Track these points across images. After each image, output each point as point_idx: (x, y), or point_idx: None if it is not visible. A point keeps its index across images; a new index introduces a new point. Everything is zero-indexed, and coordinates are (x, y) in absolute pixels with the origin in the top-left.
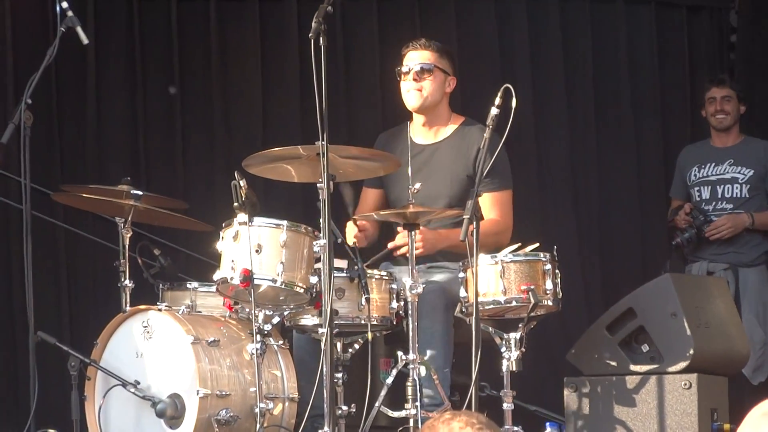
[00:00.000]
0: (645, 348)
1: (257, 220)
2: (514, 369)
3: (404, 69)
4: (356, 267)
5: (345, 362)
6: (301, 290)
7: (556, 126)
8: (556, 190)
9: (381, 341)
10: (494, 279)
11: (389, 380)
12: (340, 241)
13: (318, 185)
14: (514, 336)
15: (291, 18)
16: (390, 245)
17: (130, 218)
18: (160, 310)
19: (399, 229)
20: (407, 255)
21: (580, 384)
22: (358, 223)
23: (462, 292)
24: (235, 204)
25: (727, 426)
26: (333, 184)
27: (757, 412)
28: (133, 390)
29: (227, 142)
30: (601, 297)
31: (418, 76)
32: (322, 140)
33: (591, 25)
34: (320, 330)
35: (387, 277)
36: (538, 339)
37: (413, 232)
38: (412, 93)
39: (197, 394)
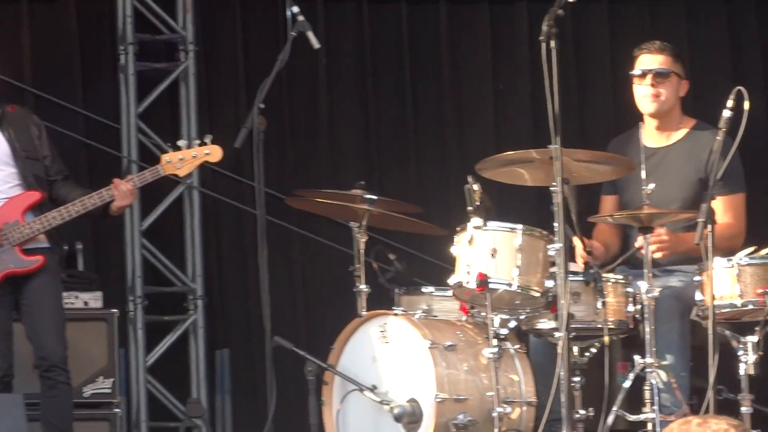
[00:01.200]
0: None
1: (491, 224)
2: (752, 372)
3: (638, 72)
4: (591, 271)
5: (582, 366)
6: (537, 294)
7: None
8: None
9: (618, 345)
10: (730, 282)
11: (627, 384)
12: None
13: (551, 189)
14: (752, 339)
15: (521, 21)
16: (636, 244)
17: (364, 222)
18: (396, 314)
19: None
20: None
21: None
22: (586, 242)
23: (698, 296)
24: (469, 208)
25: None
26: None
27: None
28: (370, 395)
29: (460, 145)
30: None
31: (654, 80)
32: (555, 144)
33: None
34: (557, 334)
35: (622, 281)
36: None
37: (648, 235)
38: (647, 98)
39: (435, 398)
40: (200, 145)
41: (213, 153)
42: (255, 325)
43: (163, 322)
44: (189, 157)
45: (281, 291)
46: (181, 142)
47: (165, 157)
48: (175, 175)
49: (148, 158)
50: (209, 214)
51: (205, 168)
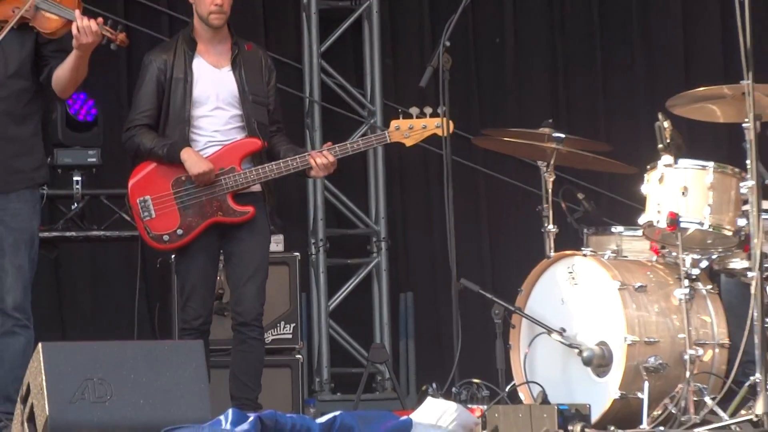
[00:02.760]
0: None
1: (682, 161)
2: None
3: None
4: None
5: None
6: (729, 233)
7: None
8: None
9: None
10: None
11: None
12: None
13: (744, 125)
14: None
15: None
16: None
17: (552, 162)
18: (585, 255)
19: None
20: None
21: None
22: None
23: None
24: (660, 145)
25: None
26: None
27: None
28: (559, 338)
29: (649, 82)
30: None
31: None
32: (747, 79)
33: None
34: (750, 273)
35: None
36: None
37: None
38: None
39: (625, 341)
40: (432, 115)
41: (444, 126)
42: (440, 268)
43: (345, 265)
44: (419, 127)
45: (467, 232)
46: (413, 110)
47: (394, 123)
48: (401, 144)
49: (330, 98)
50: (392, 155)
51: (387, 106)
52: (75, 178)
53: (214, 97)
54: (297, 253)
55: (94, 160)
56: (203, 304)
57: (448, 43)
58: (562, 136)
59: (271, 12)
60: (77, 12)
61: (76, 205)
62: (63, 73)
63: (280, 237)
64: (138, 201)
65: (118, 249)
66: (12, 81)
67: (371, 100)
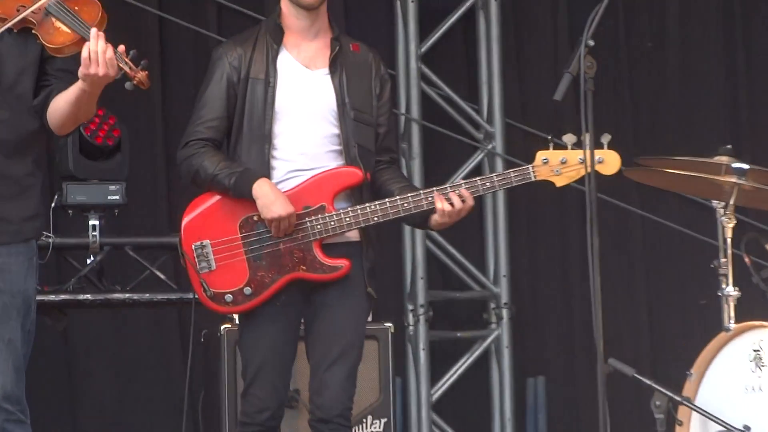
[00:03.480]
0: None
1: None
2: None
3: None
4: None
5: None
6: None
7: None
8: None
9: None
10: None
11: None
12: None
13: None
14: None
15: None
16: None
17: (732, 201)
18: None
19: None
20: None
21: None
22: None
23: None
24: None
25: None
26: None
27: None
28: None
29: None
30: None
31: None
32: None
33: None
34: None
35: None
36: None
37: None
38: None
39: None
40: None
41: (607, 162)
42: (580, 343)
43: (454, 340)
44: (574, 161)
45: (617, 295)
46: (567, 138)
47: (541, 155)
48: (550, 183)
49: (433, 114)
50: (518, 193)
51: (510, 127)
52: (91, 223)
53: (303, 107)
54: (389, 324)
55: (116, 198)
56: (273, 391)
57: (591, 43)
58: (745, 167)
59: (355, 1)
60: (94, 31)
61: (92, 258)
62: (62, 104)
63: None
64: (194, 246)
65: (150, 318)
66: (7, 96)
67: (488, 118)
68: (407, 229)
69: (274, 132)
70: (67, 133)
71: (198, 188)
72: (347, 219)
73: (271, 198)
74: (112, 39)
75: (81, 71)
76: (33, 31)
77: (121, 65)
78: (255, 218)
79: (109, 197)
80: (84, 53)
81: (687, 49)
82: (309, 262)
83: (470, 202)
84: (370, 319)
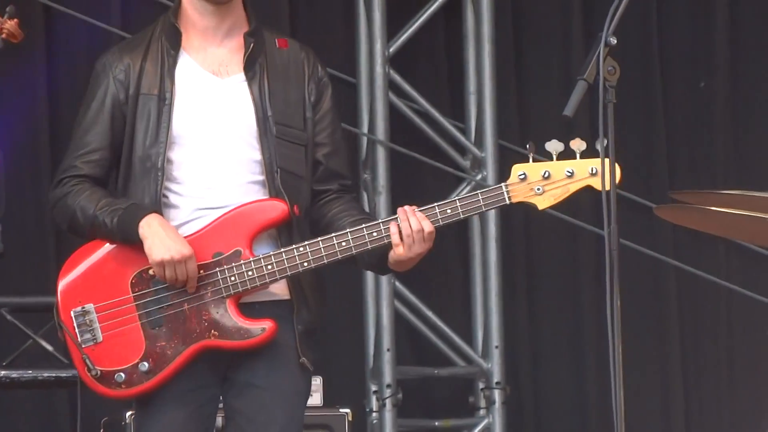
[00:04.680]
0: None
1: None
2: None
3: None
4: None
5: None
6: None
7: None
8: None
9: None
10: None
11: None
12: None
13: None
14: None
15: None
16: None
17: None
18: None
19: None
20: None
21: None
22: None
23: None
24: None
25: None
26: None
27: None
28: None
29: None
30: None
31: None
32: None
33: None
34: None
35: None
36: None
37: None
38: None
39: None
40: (583, 155)
41: (605, 172)
42: None
43: (431, 430)
44: (560, 175)
45: (646, 373)
46: (551, 145)
47: (517, 170)
48: (529, 207)
49: (405, 136)
50: (513, 232)
51: (506, 151)
52: None
53: (210, 127)
54: (346, 410)
55: None
56: None
57: (613, 41)
58: None
59: None
60: None
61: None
62: None
63: (317, 380)
64: (73, 314)
65: (35, 401)
66: None
67: (477, 139)
68: (370, 283)
69: (173, 160)
70: None
71: (78, 237)
72: (269, 267)
73: (160, 235)
74: None
75: None
76: None
77: None
78: (151, 272)
79: None
80: None
81: (738, 43)
82: (222, 327)
83: (428, 228)
84: (320, 402)
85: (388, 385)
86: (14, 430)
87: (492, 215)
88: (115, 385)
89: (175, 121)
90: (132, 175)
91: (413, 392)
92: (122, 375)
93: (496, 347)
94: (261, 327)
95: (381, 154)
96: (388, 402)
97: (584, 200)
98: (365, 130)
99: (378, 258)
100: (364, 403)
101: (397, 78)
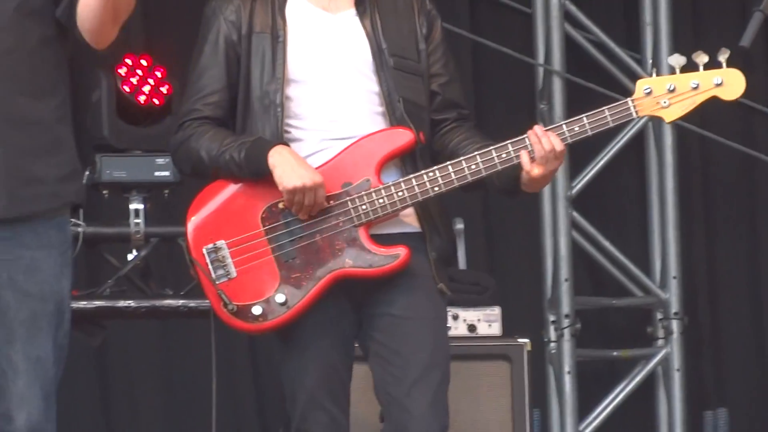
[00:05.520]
0: None
1: None
2: None
3: None
4: None
5: None
6: None
7: None
8: None
9: None
10: None
11: None
12: None
13: None
14: None
15: None
16: None
17: None
18: None
19: None
20: None
21: None
22: None
23: None
24: None
25: None
26: None
27: None
28: None
29: None
30: None
31: None
32: None
33: None
34: None
35: None
36: None
37: None
38: None
39: None
40: (707, 66)
41: (728, 83)
42: None
43: (608, 360)
44: (686, 87)
45: None
46: (674, 59)
47: (642, 84)
48: (659, 119)
49: (582, 67)
50: (686, 160)
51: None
52: (133, 207)
53: (328, 62)
54: (524, 340)
55: (166, 174)
56: (332, 425)
57: None
58: None
59: None
60: None
61: (134, 253)
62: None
63: (496, 311)
64: (205, 251)
65: (208, 329)
66: (21, 19)
67: (654, 69)
68: (547, 214)
69: (291, 97)
70: (107, 41)
71: (201, 179)
72: (400, 193)
73: (291, 164)
74: None
75: None
76: None
77: None
78: (281, 205)
79: (156, 173)
80: None
81: None
82: (356, 255)
83: (559, 146)
84: (499, 332)
85: (566, 315)
86: (189, 358)
87: (669, 144)
88: (252, 318)
89: (290, 59)
90: (251, 114)
91: (591, 322)
92: (259, 308)
93: (674, 278)
94: (395, 253)
95: (557, 85)
96: (566, 332)
97: (760, 131)
98: (541, 60)
99: (510, 180)
100: (542, 334)
101: (573, 8)
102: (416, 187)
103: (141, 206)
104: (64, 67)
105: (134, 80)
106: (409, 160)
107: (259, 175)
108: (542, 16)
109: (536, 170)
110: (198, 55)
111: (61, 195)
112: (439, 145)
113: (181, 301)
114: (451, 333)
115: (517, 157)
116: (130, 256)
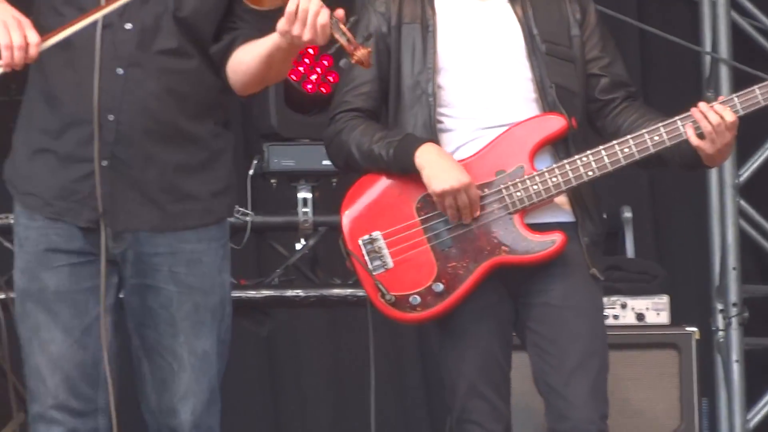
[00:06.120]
0: None
1: None
2: None
3: None
4: None
5: None
6: None
7: None
8: None
9: None
10: None
11: None
12: None
13: None
14: None
15: None
16: None
17: None
18: None
19: None
20: None
21: None
22: None
23: None
24: None
25: None
26: None
27: None
28: None
29: None
30: None
31: None
32: None
33: None
34: None
35: None
36: None
37: None
38: None
39: None
40: None
41: None
42: None
43: None
44: None
45: None
46: None
47: None
48: None
49: (748, 55)
50: None
51: None
52: (301, 196)
53: (478, 49)
54: (692, 329)
55: None
56: (494, 413)
57: None
58: None
59: None
60: None
61: (302, 242)
62: (248, 58)
63: (664, 299)
64: (361, 242)
65: (379, 319)
66: (185, 42)
67: None
68: (715, 205)
69: (442, 86)
70: (249, 94)
71: (354, 172)
72: (554, 179)
73: (437, 165)
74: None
75: (281, 26)
76: None
77: (336, 35)
78: None
79: (324, 162)
80: (290, 6)
81: None
82: (512, 242)
83: (730, 117)
84: (667, 321)
85: (734, 304)
86: (358, 349)
87: None
88: (409, 308)
89: (440, 47)
90: (402, 104)
91: (760, 310)
92: (417, 298)
93: None
94: (551, 239)
95: (724, 73)
96: (734, 321)
97: None
98: (708, 48)
99: (689, 155)
100: (710, 322)
101: None
102: (570, 173)
103: (309, 195)
104: (229, 89)
105: (301, 69)
106: (561, 146)
107: (408, 173)
108: (709, 5)
109: (706, 146)
110: None
111: (213, 211)
112: (612, 126)
113: (349, 291)
114: (620, 322)
115: (671, 138)
116: (298, 246)
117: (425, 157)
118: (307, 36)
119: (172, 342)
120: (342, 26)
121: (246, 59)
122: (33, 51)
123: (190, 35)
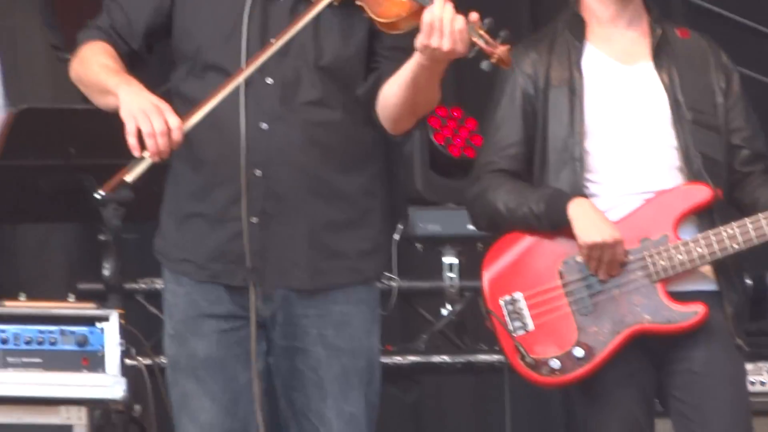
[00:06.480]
0: None
1: None
2: None
3: None
4: None
5: None
6: None
7: None
8: None
9: None
10: None
11: None
12: None
13: None
14: None
15: None
16: None
17: None
18: None
19: None
20: None
21: None
22: None
23: None
24: None
25: None
26: None
27: None
28: None
29: None
30: None
31: None
32: None
33: None
34: None
35: None
36: None
37: None
38: None
39: None
40: None
41: None
42: None
43: None
44: None
45: None
46: None
47: None
48: None
49: None
50: None
51: None
52: (447, 261)
53: (624, 115)
54: None
55: None
56: None
57: None
58: None
59: None
60: None
61: (449, 308)
62: (394, 89)
63: None
64: (503, 302)
65: (526, 387)
66: (334, 93)
67: None
68: None
69: (588, 150)
70: (404, 131)
71: (496, 232)
72: (699, 250)
73: (591, 218)
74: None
75: (420, 41)
76: (357, 3)
77: (474, 39)
78: (579, 259)
79: (469, 226)
80: (426, 18)
81: None
82: (653, 311)
83: None
84: None
85: None
86: (508, 415)
87: None
88: (548, 372)
89: (587, 112)
90: (548, 167)
91: None
92: (557, 362)
93: None
94: (693, 310)
95: None
96: None
97: None
98: None
99: None
100: None
101: None
102: (715, 244)
103: (455, 260)
104: (379, 141)
105: (446, 133)
106: (705, 216)
107: (558, 227)
108: None
109: None
110: (495, 108)
111: (361, 270)
112: (749, 199)
113: (496, 357)
114: (765, 389)
115: None
116: (444, 311)
117: (578, 209)
118: (446, 45)
119: (320, 405)
120: (478, 29)
121: (392, 91)
122: (177, 135)
123: (334, 83)
